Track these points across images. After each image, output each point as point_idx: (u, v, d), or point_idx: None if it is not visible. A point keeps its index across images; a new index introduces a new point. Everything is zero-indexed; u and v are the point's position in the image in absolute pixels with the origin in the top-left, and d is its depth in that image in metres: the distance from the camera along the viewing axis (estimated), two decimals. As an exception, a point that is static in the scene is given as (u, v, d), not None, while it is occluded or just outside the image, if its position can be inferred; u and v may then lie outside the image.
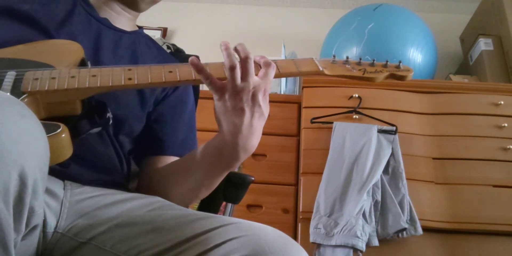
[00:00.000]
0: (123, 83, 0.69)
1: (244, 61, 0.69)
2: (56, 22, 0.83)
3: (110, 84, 0.69)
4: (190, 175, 0.81)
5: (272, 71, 0.72)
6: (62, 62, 0.73)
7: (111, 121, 0.77)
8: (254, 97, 0.70)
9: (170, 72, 0.72)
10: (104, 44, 0.86)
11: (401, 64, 0.80)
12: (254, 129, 0.72)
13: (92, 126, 0.74)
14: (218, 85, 0.70)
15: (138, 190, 0.89)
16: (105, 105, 0.76)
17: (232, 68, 0.69)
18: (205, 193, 0.85)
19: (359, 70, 0.79)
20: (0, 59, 0.72)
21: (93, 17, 0.88)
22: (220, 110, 0.71)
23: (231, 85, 0.69)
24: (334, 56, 0.81)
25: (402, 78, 0.79)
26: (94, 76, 0.69)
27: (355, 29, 2.17)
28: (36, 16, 0.82)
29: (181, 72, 0.72)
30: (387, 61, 0.80)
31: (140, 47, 0.93)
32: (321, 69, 0.77)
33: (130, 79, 0.70)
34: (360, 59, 0.81)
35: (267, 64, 0.72)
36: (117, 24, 0.92)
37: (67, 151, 0.62)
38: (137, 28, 0.98)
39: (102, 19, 0.89)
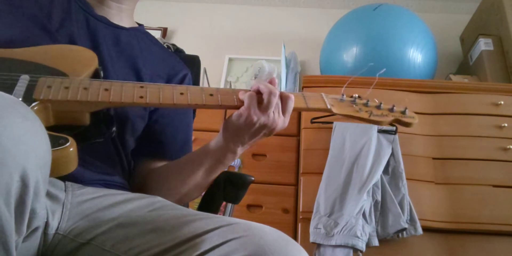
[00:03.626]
0: (134, 101, 0.70)
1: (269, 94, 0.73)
2: (55, 22, 0.84)
3: (122, 101, 0.70)
4: (188, 176, 0.84)
5: (291, 103, 0.76)
6: (76, 70, 0.73)
7: (114, 134, 0.78)
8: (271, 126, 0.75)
9: (181, 94, 0.73)
10: (103, 42, 0.86)
11: (407, 110, 0.82)
12: (255, 142, 0.79)
13: (97, 137, 0.74)
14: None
15: (132, 189, 0.89)
16: (113, 119, 0.77)
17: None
18: (199, 193, 0.89)
19: (366, 111, 0.81)
20: (12, 60, 0.72)
21: (90, 15, 0.88)
22: (235, 119, 0.75)
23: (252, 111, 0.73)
24: (342, 95, 0.82)
25: (406, 124, 0.82)
26: (106, 90, 0.70)
27: (356, 29, 2.17)
28: (37, 16, 0.82)
29: (191, 95, 0.73)
30: (393, 106, 0.82)
31: (140, 44, 0.93)
32: (329, 107, 0.79)
33: (141, 97, 0.71)
34: (368, 100, 0.82)
35: (286, 97, 0.76)
36: (115, 20, 0.92)
37: (73, 165, 0.62)
38: (136, 25, 0.98)
39: (100, 17, 0.89)
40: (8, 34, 0.78)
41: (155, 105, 0.72)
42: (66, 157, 0.60)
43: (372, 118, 0.80)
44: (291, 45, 2.59)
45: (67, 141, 0.60)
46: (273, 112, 0.73)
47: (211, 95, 0.74)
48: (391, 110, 0.82)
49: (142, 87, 0.72)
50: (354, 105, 0.81)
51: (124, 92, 0.71)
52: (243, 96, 0.74)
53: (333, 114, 0.81)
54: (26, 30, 0.80)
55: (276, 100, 0.73)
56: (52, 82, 0.68)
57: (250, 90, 0.75)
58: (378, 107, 0.82)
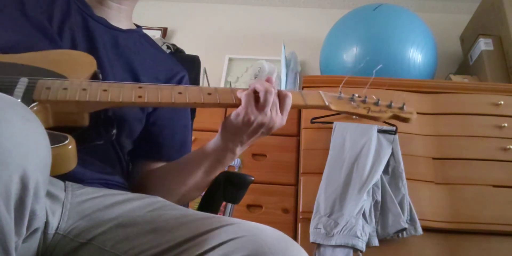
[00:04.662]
0: (133, 100, 0.71)
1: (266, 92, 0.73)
2: (55, 24, 0.84)
3: (120, 100, 0.70)
4: (188, 177, 0.84)
5: (289, 101, 0.76)
6: (74, 73, 0.74)
7: (114, 137, 0.78)
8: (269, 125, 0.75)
9: (180, 93, 0.73)
10: (101, 44, 0.86)
11: (404, 106, 0.83)
12: (254, 142, 0.79)
13: (96, 139, 0.74)
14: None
15: (131, 190, 0.89)
16: (113, 121, 0.77)
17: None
18: (198, 193, 0.89)
19: (364, 108, 0.81)
20: (13, 64, 0.73)
21: (89, 16, 0.89)
22: (234, 119, 0.75)
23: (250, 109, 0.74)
24: (340, 92, 0.83)
25: (405, 120, 0.82)
26: (105, 90, 0.70)
27: (356, 29, 2.17)
28: (36, 19, 0.82)
29: (190, 94, 0.74)
30: (391, 102, 0.83)
31: (137, 46, 0.93)
32: (327, 104, 0.80)
33: (140, 97, 0.71)
34: (366, 97, 0.83)
35: (284, 95, 0.76)
36: (114, 22, 0.92)
37: (72, 163, 0.63)
38: (134, 27, 0.99)
39: (99, 18, 0.89)
40: (10, 38, 0.78)
41: (154, 104, 0.72)
42: (65, 154, 0.60)
43: (370, 114, 0.81)
44: (291, 45, 2.59)
45: (66, 138, 0.60)
46: (270, 110, 0.73)
47: (210, 94, 0.75)
48: (389, 106, 0.82)
49: (140, 87, 0.73)
50: (352, 102, 0.82)
51: (123, 92, 0.71)
52: (241, 95, 0.74)
53: (334, 114, 0.81)
54: (27, 35, 0.80)
55: (272, 98, 0.73)
56: (51, 84, 0.69)
57: (248, 89, 0.75)
58: (376, 103, 0.83)
